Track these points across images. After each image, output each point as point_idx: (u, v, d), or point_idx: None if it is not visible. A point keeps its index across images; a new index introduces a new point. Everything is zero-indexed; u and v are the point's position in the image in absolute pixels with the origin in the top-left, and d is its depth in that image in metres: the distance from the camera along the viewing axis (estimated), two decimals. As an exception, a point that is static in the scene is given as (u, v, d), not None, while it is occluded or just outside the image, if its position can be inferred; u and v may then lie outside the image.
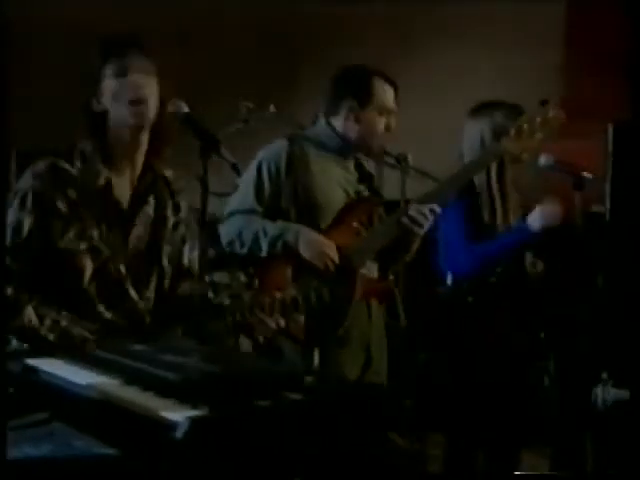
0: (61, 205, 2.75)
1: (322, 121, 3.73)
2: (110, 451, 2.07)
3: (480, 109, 4.07)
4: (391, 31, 6.28)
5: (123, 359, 2.31)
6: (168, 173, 2.96)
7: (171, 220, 2.94)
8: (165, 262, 2.91)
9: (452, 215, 3.91)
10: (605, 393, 4.25)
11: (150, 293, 2.87)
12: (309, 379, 2.09)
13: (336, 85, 3.74)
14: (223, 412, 1.94)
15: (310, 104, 4.09)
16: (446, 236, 4.00)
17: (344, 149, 3.70)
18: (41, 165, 2.80)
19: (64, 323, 2.69)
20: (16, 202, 2.75)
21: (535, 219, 3.90)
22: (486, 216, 4.00)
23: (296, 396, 2.02)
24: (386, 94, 3.68)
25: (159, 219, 2.90)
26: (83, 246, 2.74)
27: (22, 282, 2.71)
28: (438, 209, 3.63)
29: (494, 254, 3.95)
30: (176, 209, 2.96)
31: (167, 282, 2.93)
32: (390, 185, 4.52)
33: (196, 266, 2.99)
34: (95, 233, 2.76)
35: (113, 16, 5.41)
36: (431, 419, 4.07)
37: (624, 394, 4.15)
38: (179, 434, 1.88)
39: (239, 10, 5.93)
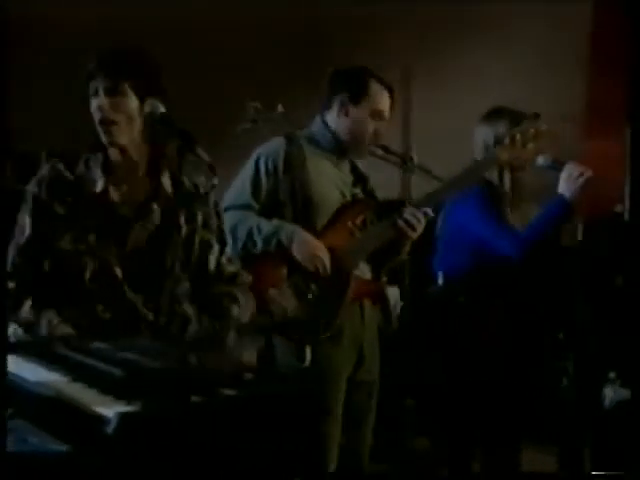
0: (59, 209, 2.88)
1: (318, 118, 3.78)
2: (62, 447, 2.12)
3: (488, 115, 4.10)
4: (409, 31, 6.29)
5: (80, 356, 2.37)
6: (187, 180, 3.03)
7: (184, 228, 2.99)
8: (177, 268, 2.96)
9: (476, 205, 3.97)
10: (614, 393, 4.25)
11: (162, 299, 2.93)
12: (248, 375, 2.13)
13: (333, 80, 3.78)
14: (156, 408, 1.99)
15: (319, 105, 4.13)
16: (469, 227, 4.02)
17: (336, 148, 3.74)
18: (43, 171, 2.94)
19: (55, 322, 2.79)
20: (22, 205, 2.91)
21: (564, 187, 3.88)
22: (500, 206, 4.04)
23: (230, 392, 2.06)
24: (381, 98, 3.71)
25: (167, 227, 2.96)
26: (81, 248, 2.85)
27: (24, 280, 2.85)
28: (431, 213, 3.67)
29: (539, 236, 3.95)
30: (190, 217, 3.01)
31: (183, 287, 2.98)
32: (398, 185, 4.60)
33: (227, 269, 3.09)
34: (92, 237, 2.86)
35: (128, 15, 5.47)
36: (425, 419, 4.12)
37: (626, 393, 4.15)
38: (109, 430, 1.93)
39: (252, 10, 5.95)
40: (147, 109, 2.86)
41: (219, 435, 2.05)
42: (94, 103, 2.87)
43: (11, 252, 2.90)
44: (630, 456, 3.57)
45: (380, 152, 3.80)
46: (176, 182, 3.01)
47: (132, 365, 2.25)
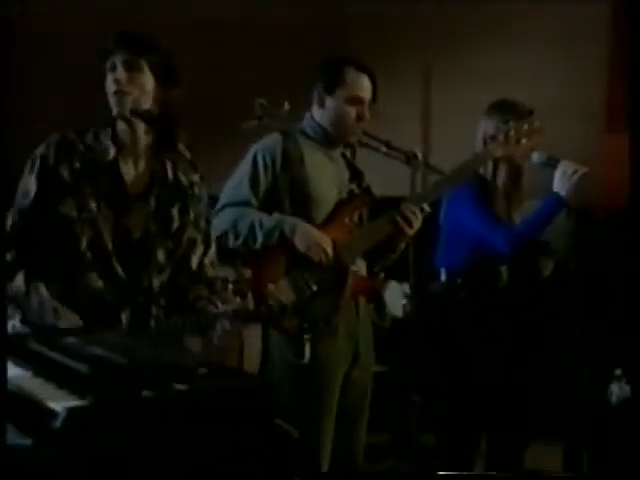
0: (65, 174, 2.94)
1: (308, 113, 3.78)
2: (26, 441, 2.16)
3: (490, 109, 4.10)
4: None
5: (46, 350, 2.41)
6: (183, 177, 3.09)
7: (176, 220, 3.06)
8: (161, 257, 3.02)
9: (469, 201, 3.98)
10: (619, 389, 4.22)
11: (144, 280, 2.99)
12: (202, 370, 2.15)
13: (313, 73, 3.77)
14: (106, 403, 2.02)
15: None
16: (466, 224, 4.03)
17: (325, 139, 3.73)
18: (53, 137, 3.01)
19: (45, 295, 2.85)
20: (27, 167, 2.98)
21: (559, 184, 3.87)
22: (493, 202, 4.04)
23: (181, 387, 2.09)
24: (358, 83, 3.68)
25: (161, 215, 3.03)
26: (83, 215, 2.92)
27: (22, 248, 2.92)
28: (428, 209, 3.66)
29: (532, 232, 3.97)
30: (183, 210, 3.08)
31: (164, 277, 3.03)
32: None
33: (208, 272, 3.13)
34: (94, 205, 2.93)
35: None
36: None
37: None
38: (57, 423, 1.97)
39: (268, 8, 5.97)
40: (132, 105, 2.95)
41: (170, 429, 2.07)
42: (110, 77, 2.94)
43: (11, 217, 2.95)
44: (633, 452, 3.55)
45: (384, 149, 3.80)
46: (175, 174, 3.07)
47: (96, 360, 2.28)
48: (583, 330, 4.08)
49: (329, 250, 3.57)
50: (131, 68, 2.93)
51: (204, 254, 3.12)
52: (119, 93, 2.93)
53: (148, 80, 2.95)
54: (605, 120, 6.30)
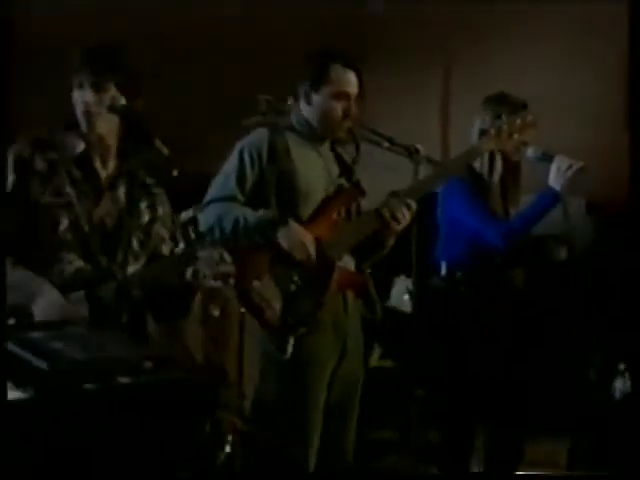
0: (40, 165, 3.10)
1: (296, 108, 3.77)
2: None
3: (486, 101, 4.08)
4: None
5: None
6: (149, 180, 3.24)
7: (145, 214, 3.22)
8: (135, 245, 3.17)
9: (463, 197, 4.02)
10: (623, 384, 4.18)
11: (122, 265, 3.13)
12: (148, 364, 2.15)
13: (303, 69, 3.76)
14: (47, 396, 2.03)
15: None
16: (461, 219, 4.06)
17: (312, 134, 3.73)
18: (24, 136, 3.18)
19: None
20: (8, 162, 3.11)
21: (554, 179, 3.86)
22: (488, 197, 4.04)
23: (125, 380, 2.09)
24: (343, 79, 3.67)
25: (130, 208, 3.17)
26: (60, 201, 3.06)
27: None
28: (414, 205, 3.64)
29: (526, 226, 3.98)
30: (152, 207, 3.24)
31: (139, 262, 3.18)
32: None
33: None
34: (70, 191, 3.08)
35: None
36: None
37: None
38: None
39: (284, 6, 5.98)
40: (107, 102, 3.07)
41: (113, 422, 2.07)
42: (78, 95, 3.10)
43: None
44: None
45: (386, 144, 3.78)
46: (144, 172, 3.22)
47: (54, 355, 2.29)
48: (584, 325, 4.05)
49: (312, 249, 3.55)
50: (98, 89, 3.07)
51: (174, 248, 3.22)
52: (87, 114, 3.08)
53: (115, 97, 3.09)
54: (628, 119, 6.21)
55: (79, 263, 3.06)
